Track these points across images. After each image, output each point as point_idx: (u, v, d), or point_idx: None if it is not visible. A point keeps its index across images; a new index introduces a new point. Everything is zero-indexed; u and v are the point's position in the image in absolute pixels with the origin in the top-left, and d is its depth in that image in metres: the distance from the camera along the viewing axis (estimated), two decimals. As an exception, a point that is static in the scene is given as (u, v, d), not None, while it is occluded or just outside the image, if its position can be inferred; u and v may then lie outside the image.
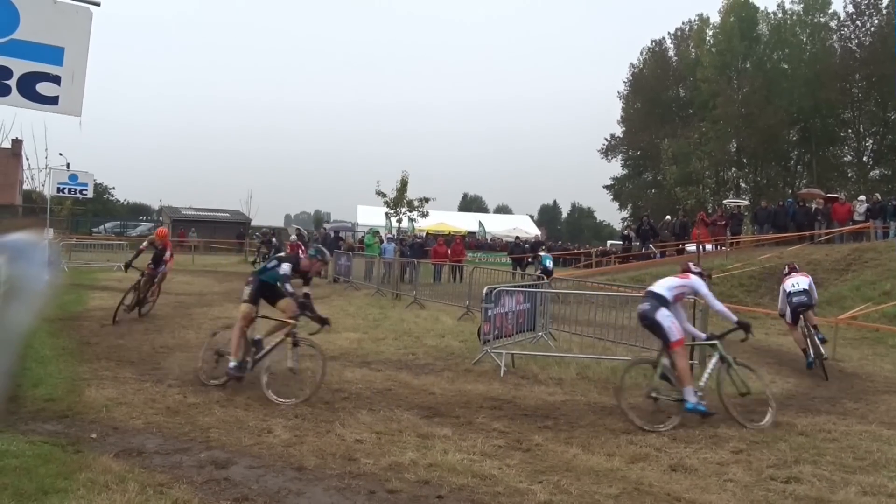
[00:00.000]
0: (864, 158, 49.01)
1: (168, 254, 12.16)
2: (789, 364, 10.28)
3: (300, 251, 20.12)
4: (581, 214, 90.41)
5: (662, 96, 55.23)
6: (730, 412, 6.60)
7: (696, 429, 6.38)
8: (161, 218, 52.02)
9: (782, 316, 10.44)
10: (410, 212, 34.67)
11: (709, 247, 23.76)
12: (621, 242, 32.33)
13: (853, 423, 6.91)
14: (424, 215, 35.68)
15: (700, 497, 4.70)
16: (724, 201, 38.24)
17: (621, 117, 57.08)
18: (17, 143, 39.52)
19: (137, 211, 63.13)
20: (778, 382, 8.92)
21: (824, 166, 48.83)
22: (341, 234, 32.15)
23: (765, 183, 51.50)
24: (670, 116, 55.12)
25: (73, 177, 29.07)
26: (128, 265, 11.87)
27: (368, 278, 19.96)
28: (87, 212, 45.47)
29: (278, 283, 7.08)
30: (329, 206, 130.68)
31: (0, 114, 53.17)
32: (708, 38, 52.79)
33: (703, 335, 7.06)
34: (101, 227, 45.32)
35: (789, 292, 10.16)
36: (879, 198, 23.03)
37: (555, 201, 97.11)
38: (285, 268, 7.08)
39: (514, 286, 12.15)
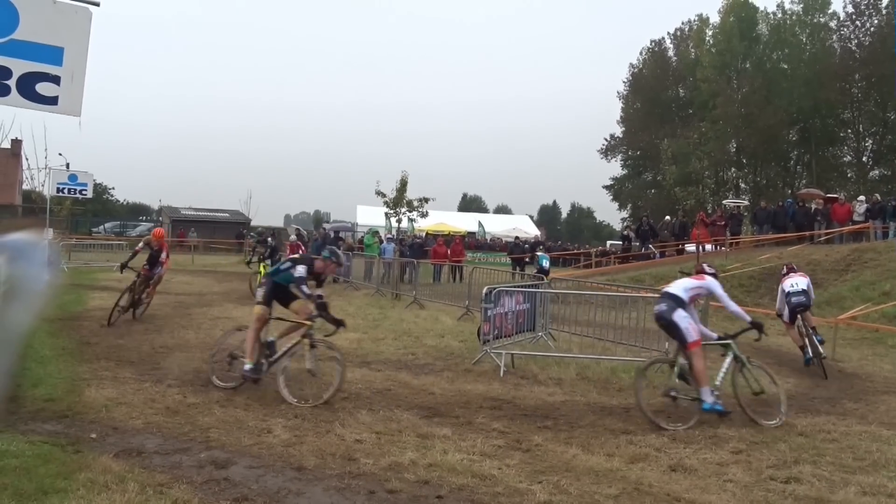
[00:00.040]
0: (864, 159, 49.03)
1: (164, 255, 11.98)
2: (789, 364, 10.28)
3: (300, 251, 20.26)
4: (581, 214, 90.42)
5: (662, 96, 55.22)
6: (745, 411, 6.66)
7: (695, 429, 6.38)
8: (161, 218, 52.02)
9: (780, 315, 10.47)
10: (410, 212, 34.68)
11: (708, 247, 23.76)
12: (621, 243, 32.32)
13: (853, 423, 6.91)
14: (424, 215, 35.68)
15: (700, 497, 4.70)
16: (724, 201, 38.27)
17: (621, 117, 57.12)
18: (16, 143, 39.57)
19: (137, 211, 63.17)
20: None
21: (824, 166, 48.84)
22: (341, 234, 32.16)
23: (764, 183, 51.50)
24: (670, 116, 55.11)
25: (73, 177, 29.08)
26: (123, 266, 11.68)
27: (368, 278, 19.96)
28: (86, 212, 45.50)
29: (293, 285, 7.03)
30: (329, 206, 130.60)
31: (0, 114, 53.22)
32: (707, 38, 52.80)
33: (715, 335, 7.10)
34: (101, 227, 45.32)
35: (788, 292, 10.21)
36: (879, 198, 23.03)
37: (554, 201, 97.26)
38: (300, 270, 7.00)
39: (514, 286, 12.15)
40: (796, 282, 10.30)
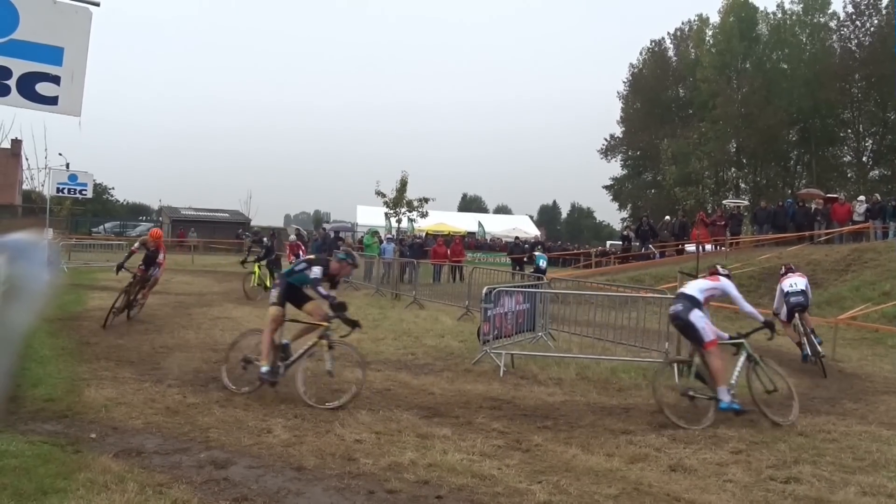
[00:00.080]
0: (864, 159, 49.07)
1: (161, 256, 11.67)
2: (788, 365, 10.25)
3: (300, 251, 20.25)
4: (580, 215, 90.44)
5: (662, 96, 55.25)
6: (761, 410, 6.70)
7: (695, 429, 6.38)
8: (160, 218, 52.05)
9: (776, 315, 10.53)
10: (410, 212, 34.72)
11: (708, 247, 23.76)
12: (621, 243, 32.33)
13: (853, 423, 6.91)
14: (424, 215, 35.73)
15: (699, 497, 4.70)
16: (724, 201, 38.28)
17: (621, 117, 57.17)
18: (16, 143, 39.64)
19: (137, 211, 63.23)
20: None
21: (824, 166, 48.87)
22: (341, 235, 32.17)
23: (764, 183, 51.53)
24: (670, 117, 55.14)
25: (73, 177, 29.10)
26: (119, 267, 11.39)
27: (368, 278, 19.96)
28: (86, 212, 45.56)
29: (309, 287, 6.96)
30: (329, 206, 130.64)
31: (0, 114, 53.26)
32: (707, 39, 52.83)
33: (726, 335, 7.13)
34: (101, 227, 45.34)
35: (787, 292, 10.30)
36: (879, 198, 23.05)
37: (554, 201, 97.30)
38: (316, 271, 6.91)
39: (514, 286, 12.16)
40: (795, 282, 10.38)
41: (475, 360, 9.19)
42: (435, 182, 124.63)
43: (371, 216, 42.53)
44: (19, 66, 4.84)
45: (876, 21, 45.70)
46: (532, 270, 18.98)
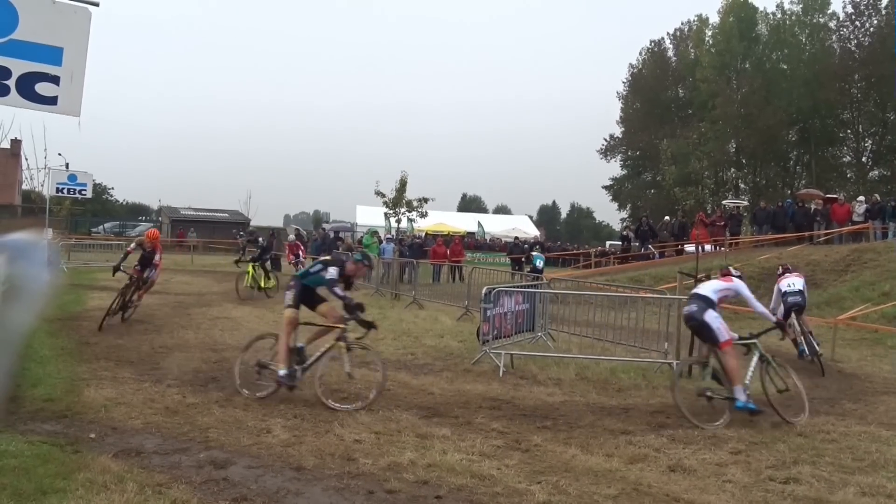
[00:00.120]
0: (864, 159, 49.07)
1: (158, 257, 11.46)
2: (788, 364, 10.30)
3: (300, 251, 20.23)
4: (580, 215, 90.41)
5: (661, 97, 55.23)
6: (775, 409, 6.74)
7: (694, 429, 6.39)
8: (160, 218, 52.06)
9: (773, 314, 10.61)
10: (409, 212, 34.70)
11: (708, 247, 23.76)
12: (620, 243, 32.35)
13: (852, 423, 6.92)
14: (423, 215, 35.70)
15: (699, 497, 4.70)
16: (723, 202, 38.23)
17: (620, 118, 57.11)
18: (16, 143, 39.61)
19: (136, 211, 63.21)
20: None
21: (823, 167, 48.88)
22: (340, 235, 32.17)
23: (764, 183, 51.53)
24: (669, 117, 55.14)
25: (72, 177, 29.08)
26: (116, 269, 11.28)
27: (367, 278, 19.89)
28: (86, 212, 45.55)
29: (326, 288, 6.89)
30: (328, 206, 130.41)
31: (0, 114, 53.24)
32: (707, 39, 52.82)
33: (737, 335, 7.16)
34: (101, 227, 45.35)
35: (785, 292, 10.41)
36: (878, 198, 23.07)
37: (554, 202, 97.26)
38: (332, 272, 6.86)
39: (513, 286, 12.16)
40: (793, 282, 10.49)
41: (475, 360, 9.20)
42: (434, 182, 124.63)
43: (370, 216, 42.53)
44: (19, 66, 4.84)
45: (875, 21, 45.70)
46: (529, 270, 19.01)
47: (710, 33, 52.79)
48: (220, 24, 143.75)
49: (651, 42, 56.51)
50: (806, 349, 10.08)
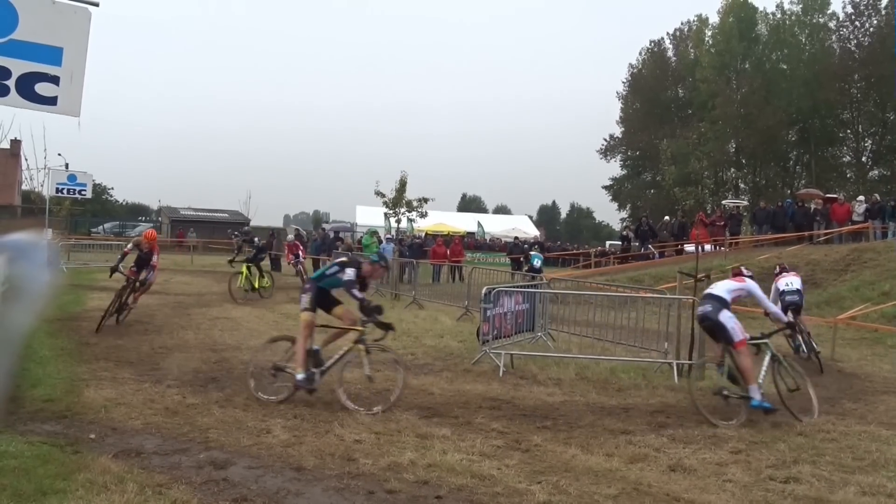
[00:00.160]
0: (863, 159, 49.11)
1: (155, 258, 11.22)
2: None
3: (299, 251, 20.21)
4: (580, 215, 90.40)
5: (661, 97, 55.25)
6: (787, 408, 6.80)
7: (694, 429, 6.39)
8: (160, 218, 52.07)
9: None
10: (409, 212, 34.71)
11: (707, 247, 23.78)
12: (620, 243, 32.35)
13: (852, 423, 6.92)
14: (423, 216, 35.73)
15: (699, 497, 4.70)
16: (723, 202, 38.25)
17: (620, 118, 57.15)
18: (15, 143, 39.59)
19: (136, 211, 63.21)
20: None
21: (823, 167, 48.91)
22: (340, 235, 32.16)
23: (763, 183, 51.55)
24: (669, 117, 55.17)
25: (72, 177, 29.10)
26: (114, 270, 11.12)
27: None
28: (85, 212, 45.54)
29: (344, 290, 6.82)
30: (328, 206, 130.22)
31: (-1, 114, 53.19)
32: (707, 39, 52.85)
33: (748, 335, 7.18)
34: (100, 227, 45.34)
35: (783, 291, 10.47)
36: (878, 198, 23.08)
37: (554, 202, 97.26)
38: (350, 273, 6.80)
39: (513, 286, 12.16)
40: (791, 281, 10.58)
41: (474, 360, 9.19)
42: (434, 182, 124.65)
43: (370, 216, 42.55)
44: (18, 67, 4.84)
45: (875, 21, 45.75)
46: (526, 269, 19.06)
47: (709, 33, 52.83)
48: (220, 24, 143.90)
49: (651, 42, 56.66)
50: (804, 347, 10.15)
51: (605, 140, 57.04)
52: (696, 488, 4.87)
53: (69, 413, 5.89)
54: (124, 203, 63.36)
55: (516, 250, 29.49)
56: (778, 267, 11.46)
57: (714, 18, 52.54)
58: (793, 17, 50.37)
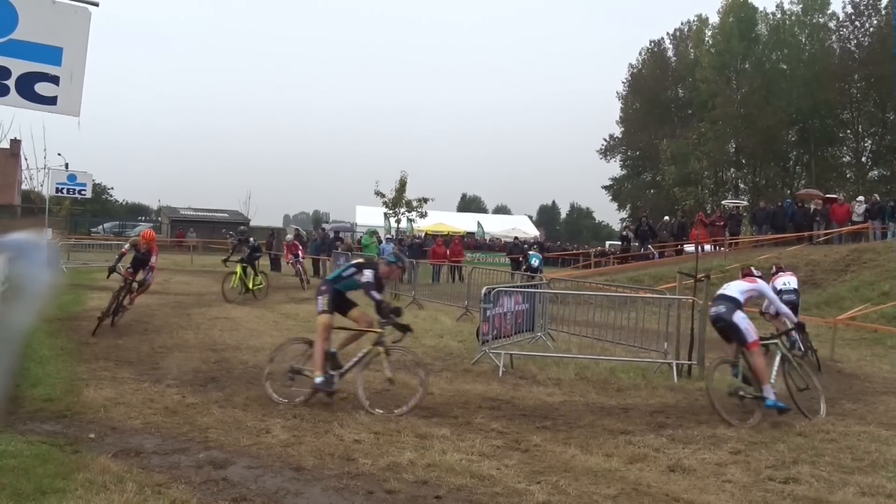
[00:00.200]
0: (863, 159, 49.14)
1: (154, 258, 10.94)
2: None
3: (299, 251, 20.20)
4: (580, 215, 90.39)
5: (661, 97, 55.26)
6: (799, 407, 6.89)
7: (694, 429, 6.39)
8: (160, 218, 52.06)
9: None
10: (409, 212, 34.73)
11: (707, 247, 23.79)
12: (620, 243, 32.35)
13: (851, 423, 6.92)
14: (423, 216, 35.74)
15: (698, 497, 4.70)
16: (723, 202, 38.24)
17: (620, 118, 57.15)
18: (15, 143, 39.57)
19: (136, 211, 63.19)
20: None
21: (823, 167, 48.93)
22: (340, 235, 32.16)
23: (763, 183, 51.56)
24: (669, 117, 55.18)
25: (72, 177, 29.11)
26: (111, 270, 10.97)
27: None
28: (85, 212, 45.55)
29: (363, 291, 6.77)
30: (328, 206, 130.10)
31: (-1, 114, 53.20)
32: (707, 39, 52.85)
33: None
34: (100, 227, 45.32)
35: (781, 290, 10.51)
36: (878, 198, 23.09)
37: (553, 202, 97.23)
38: (368, 274, 6.75)
39: (513, 287, 12.17)
40: (788, 280, 10.69)
41: (474, 360, 9.20)
42: (434, 182, 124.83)
43: (370, 216, 42.55)
44: (18, 66, 4.85)
45: (875, 21, 45.75)
46: (525, 269, 19.08)
47: (709, 33, 52.82)
48: (220, 24, 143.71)
49: (651, 42, 56.67)
50: (800, 345, 10.17)
51: (605, 140, 57.14)
52: (696, 488, 4.87)
53: (69, 412, 5.88)
54: (124, 203, 63.41)
55: (516, 250, 29.48)
56: (774, 267, 11.60)
57: (714, 18, 52.65)
58: (793, 17, 50.39)
